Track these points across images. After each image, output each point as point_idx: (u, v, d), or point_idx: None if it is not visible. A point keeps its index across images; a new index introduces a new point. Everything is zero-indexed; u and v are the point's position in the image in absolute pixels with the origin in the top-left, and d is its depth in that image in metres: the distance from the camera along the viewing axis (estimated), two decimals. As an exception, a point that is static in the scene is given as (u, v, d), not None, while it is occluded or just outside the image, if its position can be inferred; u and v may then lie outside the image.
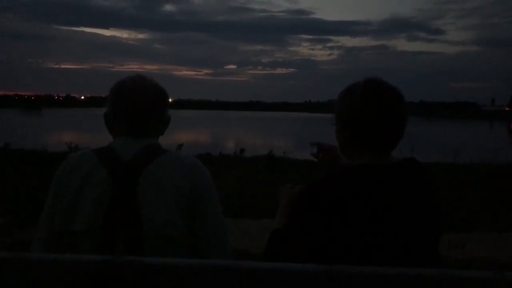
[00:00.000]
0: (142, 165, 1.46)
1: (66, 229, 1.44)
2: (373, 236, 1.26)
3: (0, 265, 1.00)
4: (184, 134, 23.66)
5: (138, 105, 1.53)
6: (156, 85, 1.61)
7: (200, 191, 1.49)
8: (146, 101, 1.54)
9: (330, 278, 0.91)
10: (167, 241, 1.42)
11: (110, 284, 0.96)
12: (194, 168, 1.52)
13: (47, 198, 1.53)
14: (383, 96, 1.36)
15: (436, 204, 1.41)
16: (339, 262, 1.02)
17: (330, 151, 1.90)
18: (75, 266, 0.99)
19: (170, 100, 1.73)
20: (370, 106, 1.35)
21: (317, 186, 1.33)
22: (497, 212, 6.86)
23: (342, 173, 1.36)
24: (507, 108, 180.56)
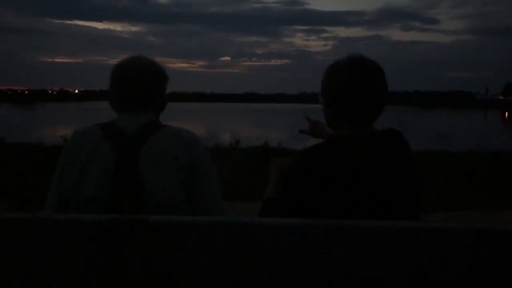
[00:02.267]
0: (143, 138, 1.55)
1: (73, 196, 1.53)
2: (357, 200, 1.35)
3: (17, 225, 1.07)
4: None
5: (133, 80, 1.62)
6: (153, 62, 1.70)
7: (198, 162, 1.59)
8: (141, 76, 1.63)
9: (317, 230, 1.05)
10: (167, 209, 1.51)
11: (119, 240, 1.03)
12: (193, 141, 1.62)
13: (57, 165, 1.62)
14: (368, 71, 1.44)
15: (414, 170, 1.49)
16: None
17: (316, 124, 2.04)
18: (87, 225, 1.06)
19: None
20: (356, 81, 1.42)
21: (304, 157, 1.42)
22: (485, 193, 6.93)
23: (328, 144, 1.46)
24: (500, 97, 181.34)
